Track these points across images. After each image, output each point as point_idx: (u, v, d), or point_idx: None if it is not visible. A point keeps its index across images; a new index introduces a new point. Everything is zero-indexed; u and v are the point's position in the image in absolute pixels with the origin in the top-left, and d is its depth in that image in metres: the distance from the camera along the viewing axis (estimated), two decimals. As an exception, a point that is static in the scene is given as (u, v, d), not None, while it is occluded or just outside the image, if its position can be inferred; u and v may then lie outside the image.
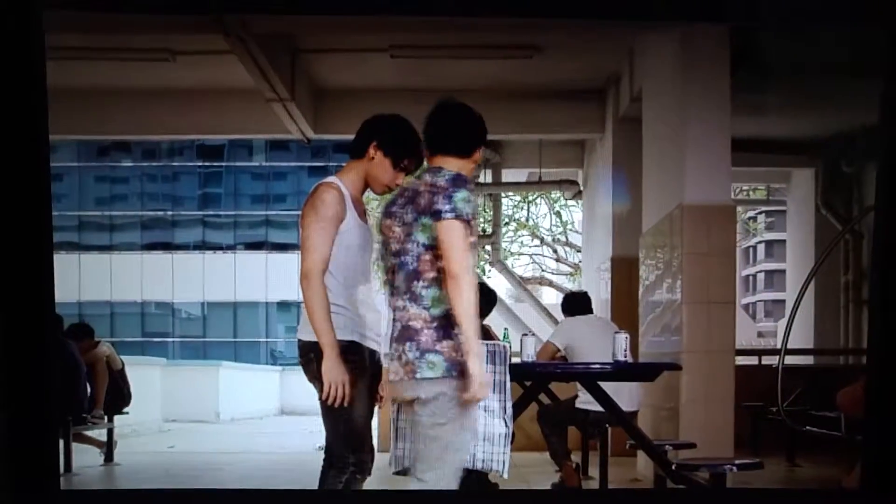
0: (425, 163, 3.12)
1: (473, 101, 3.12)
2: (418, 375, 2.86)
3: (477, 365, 2.82)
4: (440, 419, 2.88)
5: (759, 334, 32.13)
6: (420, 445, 2.95)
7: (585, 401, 5.20)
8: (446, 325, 2.88)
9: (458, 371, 2.85)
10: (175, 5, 4.17)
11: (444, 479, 2.90)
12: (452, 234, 2.82)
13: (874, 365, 2.65)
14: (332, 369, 3.05)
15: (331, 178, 3.21)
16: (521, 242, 17.43)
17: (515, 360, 4.41)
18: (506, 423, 3.47)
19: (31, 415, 2.33)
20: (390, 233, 3.00)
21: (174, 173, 33.36)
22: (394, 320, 2.97)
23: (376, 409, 3.34)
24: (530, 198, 16.11)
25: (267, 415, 18.71)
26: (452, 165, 2.97)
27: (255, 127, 8.43)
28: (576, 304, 5.73)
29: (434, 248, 2.87)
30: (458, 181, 2.87)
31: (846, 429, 5.44)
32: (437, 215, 2.84)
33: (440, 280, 2.87)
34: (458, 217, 2.83)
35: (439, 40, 6.80)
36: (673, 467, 4.19)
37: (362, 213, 3.27)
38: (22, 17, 2.24)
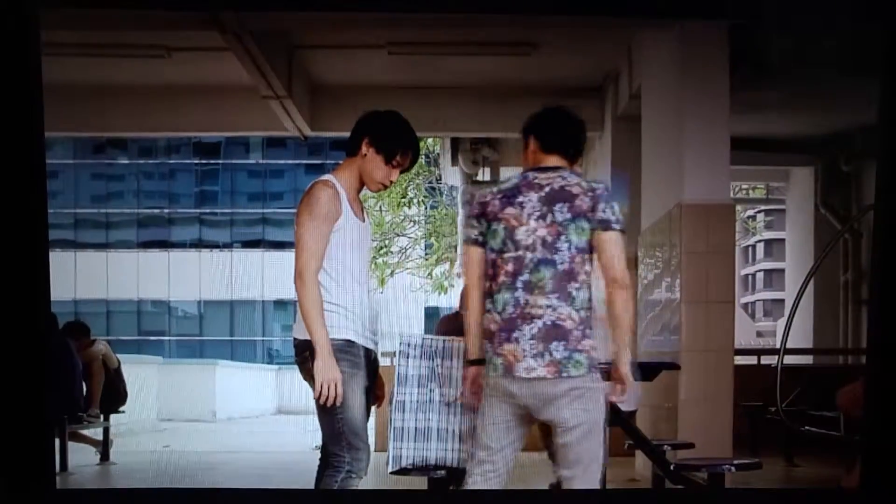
0: (526, 157, 3.14)
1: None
2: (564, 374, 2.93)
3: (629, 369, 2.98)
4: (595, 414, 2.98)
5: (758, 334, 32.06)
6: (579, 447, 3.05)
7: (583, 400, 5.18)
8: (588, 325, 2.98)
9: (595, 369, 2.97)
10: (173, 2, 4.15)
11: (599, 472, 3.11)
12: (619, 245, 2.97)
13: (873, 364, 2.63)
14: (325, 368, 3.03)
15: (326, 176, 3.19)
16: (519, 241, 17.38)
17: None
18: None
19: (28, 413, 2.31)
20: (517, 223, 2.98)
21: (170, 171, 33.26)
22: (530, 317, 2.95)
23: (374, 408, 3.32)
24: (528, 196, 16.04)
25: (263, 413, 18.68)
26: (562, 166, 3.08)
27: (252, 124, 8.39)
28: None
29: (587, 251, 2.96)
30: (612, 192, 3.02)
31: (845, 428, 5.42)
32: (605, 224, 2.95)
33: (590, 283, 2.98)
34: (621, 229, 2.97)
35: (437, 37, 6.77)
36: (671, 467, 4.17)
37: (359, 211, 3.24)
38: (17, 15, 2.22)
